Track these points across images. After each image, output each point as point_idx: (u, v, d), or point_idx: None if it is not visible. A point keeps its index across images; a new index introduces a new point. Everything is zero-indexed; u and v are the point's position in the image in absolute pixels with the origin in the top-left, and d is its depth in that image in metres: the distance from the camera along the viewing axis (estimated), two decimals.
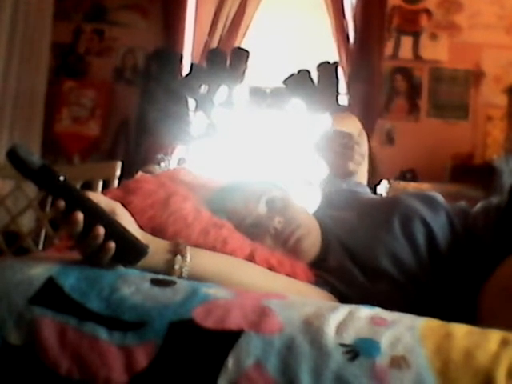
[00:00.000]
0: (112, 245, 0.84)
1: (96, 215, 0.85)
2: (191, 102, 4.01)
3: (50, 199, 2.15)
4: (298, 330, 0.72)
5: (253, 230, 1.17)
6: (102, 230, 0.84)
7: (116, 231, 0.85)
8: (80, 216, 0.84)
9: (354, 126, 1.56)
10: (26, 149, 0.84)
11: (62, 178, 0.84)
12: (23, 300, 0.77)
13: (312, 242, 1.22)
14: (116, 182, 2.12)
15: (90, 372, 0.72)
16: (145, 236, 0.95)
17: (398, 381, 0.66)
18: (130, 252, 0.87)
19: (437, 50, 4.09)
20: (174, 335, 0.73)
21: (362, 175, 1.59)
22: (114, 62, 4.25)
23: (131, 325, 0.74)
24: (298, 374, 0.67)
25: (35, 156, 0.84)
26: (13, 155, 0.82)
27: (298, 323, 0.73)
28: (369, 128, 3.72)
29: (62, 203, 0.84)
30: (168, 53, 4.06)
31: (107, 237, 0.84)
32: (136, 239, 0.87)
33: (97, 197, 0.90)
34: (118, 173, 2.14)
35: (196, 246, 1.01)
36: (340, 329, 0.72)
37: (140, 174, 2.06)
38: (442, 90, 4.09)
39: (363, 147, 1.44)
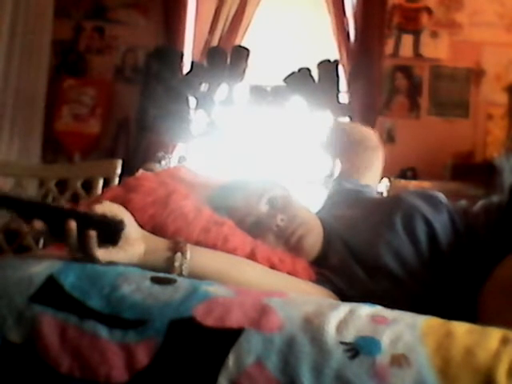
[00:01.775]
0: (91, 232, 0.85)
1: (60, 214, 0.86)
2: (192, 100, 4.01)
3: (50, 197, 2.15)
4: (299, 328, 0.72)
5: (255, 228, 1.17)
6: (72, 223, 0.85)
7: (86, 219, 0.87)
8: (38, 223, 0.85)
9: (371, 138, 1.60)
10: None
11: (13, 193, 0.86)
12: (24, 298, 0.77)
13: (314, 240, 1.22)
14: (116, 179, 2.12)
15: (91, 370, 0.72)
16: (145, 234, 0.95)
17: (399, 379, 0.66)
18: (109, 232, 0.87)
19: (437, 48, 4.08)
20: (174, 333, 0.73)
21: (375, 180, 1.61)
22: (114, 59, 4.25)
23: (132, 323, 0.74)
24: (299, 372, 0.67)
25: None
26: None
27: (298, 321, 0.73)
28: (369, 126, 3.71)
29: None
30: (168, 51, 4.05)
31: (82, 227, 0.85)
32: (108, 218, 0.88)
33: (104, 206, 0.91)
34: (119, 171, 2.14)
35: (197, 243, 1.01)
36: (340, 327, 0.72)
37: (141, 171, 2.06)
38: (442, 88, 4.09)
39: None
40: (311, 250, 1.21)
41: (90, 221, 0.86)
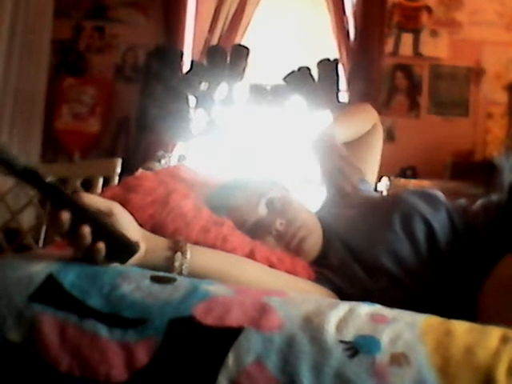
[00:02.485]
0: (101, 245, 0.84)
1: (82, 216, 0.84)
2: (191, 99, 4.01)
3: None
4: (298, 327, 0.72)
5: (254, 231, 1.17)
6: (87, 230, 0.83)
7: (104, 230, 0.85)
8: (65, 215, 0.83)
9: (364, 120, 1.59)
10: (10, 151, 0.83)
11: (49, 180, 0.84)
12: (23, 297, 0.77)
13: (314, 242, 1.22)
14: (116, 179, 2.12)
15: (91, 369, 0.72)
16: (145, 234, 0.95)
17: (399, 378, 0.66)
18: (121, 250, 0.86)
19: (437, 47, 4.09)
20: (174, 332, 0.73)
21: (372, 173, 1.60)
22: (114, 59, 4.25)
23: (131, 322, 0.74)
24: (298, 371, 0.67)
25: (20, 158, 0.84)
26: None
27: (298, 320, 0.73)
28: None
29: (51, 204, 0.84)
30: (168, 50, 4.05)
31: (96, 236, 0.84)
32: (125, 237, 0.87)
33: (93, 198, 0.89)
34: (119, 170, 2.14)
35: (196, 243, 1.01)
36: (340, 326, 0.72)
37: (140, 171, 2.06)
38: (442, 87, 4.09)
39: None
40: (311, 251, 1.21)
41: (105, 232, 0.85)
